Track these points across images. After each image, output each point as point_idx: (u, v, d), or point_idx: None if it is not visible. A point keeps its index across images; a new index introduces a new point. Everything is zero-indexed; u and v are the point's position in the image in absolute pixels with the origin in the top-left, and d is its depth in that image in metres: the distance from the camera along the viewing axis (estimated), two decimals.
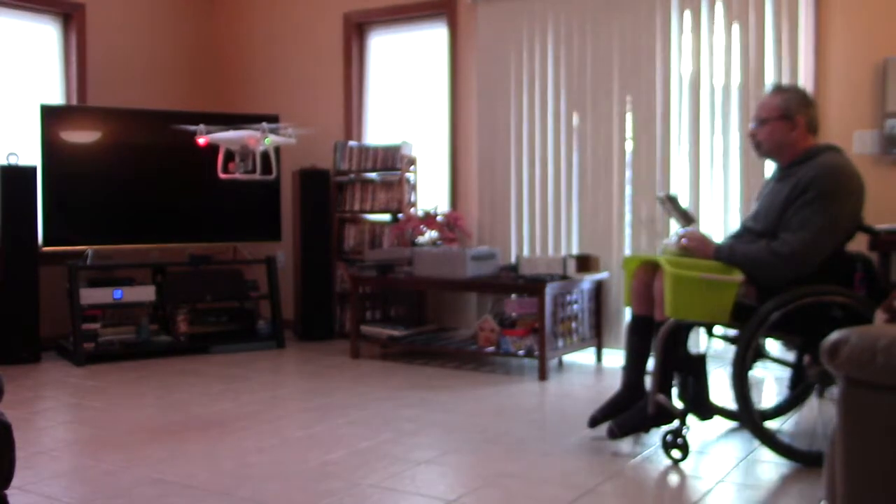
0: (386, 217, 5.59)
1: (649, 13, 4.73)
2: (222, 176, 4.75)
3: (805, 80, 4.34)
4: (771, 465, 2.82)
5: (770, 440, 2.82)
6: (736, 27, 4.50)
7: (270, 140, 4.73)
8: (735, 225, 4.28)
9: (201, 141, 4.62)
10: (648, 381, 2.99)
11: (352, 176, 5.69)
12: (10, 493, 2.21)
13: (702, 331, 3.24)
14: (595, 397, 3.82)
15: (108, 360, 4.94)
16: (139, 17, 5.94)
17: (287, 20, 6.14)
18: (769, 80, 4.39)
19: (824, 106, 4.31)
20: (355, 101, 5.88)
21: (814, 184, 2.82)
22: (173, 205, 5.36)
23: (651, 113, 4.75)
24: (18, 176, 4.82)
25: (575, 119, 4.97)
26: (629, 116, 4.82)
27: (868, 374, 1.64)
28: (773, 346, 3.79)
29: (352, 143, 5.72)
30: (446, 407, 3.68)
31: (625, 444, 3.05)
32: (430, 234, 5.14)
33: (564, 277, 4.45)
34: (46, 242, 4.97)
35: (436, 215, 5.13)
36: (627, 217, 4.83)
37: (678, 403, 2.94)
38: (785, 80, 4.36)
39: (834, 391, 1.80)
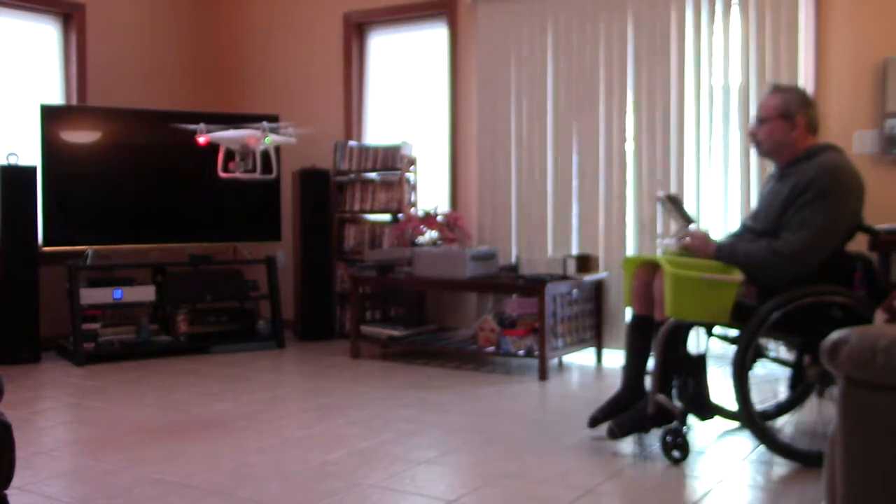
0: (386, 217, 5.58)
1: (649, 13, 4.73)
2: (223, 175, 4.75)
3: (805, 80, 4.34)
4: (771, 465, 2.82)
5: (770, 440, 2.82)
6: (736, 27, 4.50)
7: (270, 139, 4.73)
8: (735, 225, 4.28)
9: (201, 140, 4.62)
10: (648, 381, 2.99)
11: (352, 176, 5.69)
12: (10, 493, 2.21)
13: (702, 331, 3.23)
14: (595, 397, 3.82)
15: (108, 360, 4.94)
16: (139, 17, 5.94)
17: (287, 20, 6.14)
18: (769, 80, 4.38)
19: (824, 106, 4.31)
20: (355, 101, 5.88)
21: (814, 183, 2.82)
22: (173, 205, 5.36)
23: (651, 113, 4.74)
24: (18, 176, 4.82)
25: (575, 119, 4.96)
26: (629, 116, 4.82)
27: (868, 374, 1.64)
28: (773, 346, 3.79)
29: (352, 143, 5.72)
30: (446, 407, 3.68)
31: (625, 444, 3.05)
32: (430, 234, 5.14)
33: (564, 277, 4.44)
34: (46, 242, 4.97)
35: (436, 215, 5.13)
36: (628, 217, 4.83)
37: (678, 403, 2.94)
38: (785, 80, 4.35)
39: (834, 391, 1.80)
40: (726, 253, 2.94)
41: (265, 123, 4.79)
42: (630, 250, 4.82)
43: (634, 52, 4.78)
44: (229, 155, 4.76)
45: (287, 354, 5.13)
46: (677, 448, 2.84)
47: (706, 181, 4.62)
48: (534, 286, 4.32)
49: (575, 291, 4.60)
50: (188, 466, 2.83)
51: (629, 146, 4.83)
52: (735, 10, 4.50)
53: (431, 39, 5.61)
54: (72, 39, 5.57)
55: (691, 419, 3.05)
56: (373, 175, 5.63)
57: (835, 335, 1.72)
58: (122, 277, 5.19)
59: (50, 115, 4.99)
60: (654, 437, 3.09)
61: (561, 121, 5.01)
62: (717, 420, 3.30)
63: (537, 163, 5.09)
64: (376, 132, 5.87)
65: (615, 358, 4.77)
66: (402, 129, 5.71)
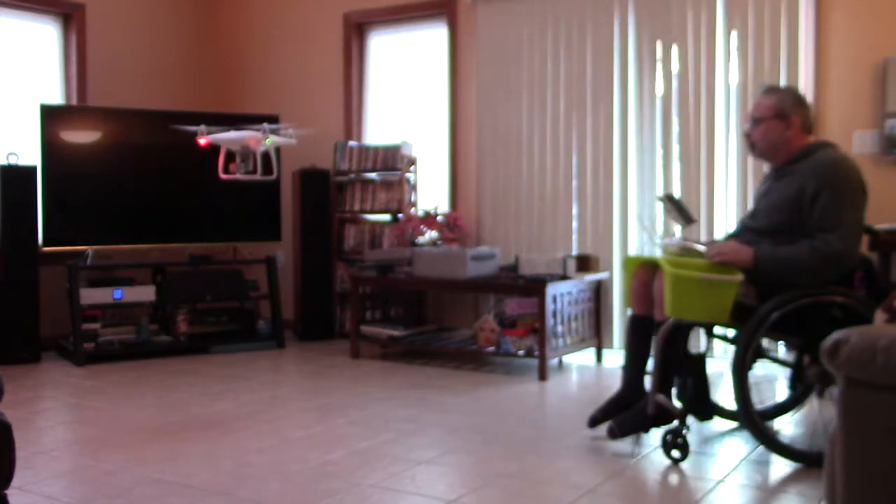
0: (386, 217, 5.59)
1: (649, 13, 4.73)
2: (223, 176, 4.75)
3: (805, 80, 4.34)
4: (771, 465, 2.82)
5: (770, 440, 2.82)
6: (736, 27, 4.50)
7: (271, 140, 4.73)
8: (732, 225, 4.28)
9: (202, 141, 4.62)
10: (648, 381, 2.99)
11: (352, 176, 5.69)
12: (10, 493, 2.21)
13: (702, 331, 3.23)
14: (595, 397, 3.82)
15: (108, 360, 4.94)
16: (139, 17, 5.94)
17: (287, 20, 6.14)
18: (769, 80, 4.38)
19: (824, 106, 4.31)
20: (355, 101, 5.88)
21: (828, 181, 2.80)
22: (173, 205, 5.36)
23: (651, 113, 4.75)
24: (18, 176, 4.82)
25: (574, 119, 4.96)
26: (629, 116, 4.81)
27: (868, 374, 1.64)
28: (773, 346, 3.79)
29: (352, 143, 5.72)
30: (446, 407, 3.68)
31: (625, 444, 3.05)
32: (430, 234, 5.14)
33: (564, 277, 4.45)
34: (46, 242, 4.97)
35: (436, 215, 5.13)
36: (628, 217, 4.83)
37: (678, 403, 2.94)
38: (785, 81, 4.36)
39: (834, 391, 1.80)
40: (765, 259, 2.86)
41: (266, 125, 4.79)
42: (630, 250, 4.82)
43: (635, 51, 4.78)
44: (230, 156, 4.77)
45: (287, 354, 5.13)
46: (677, 448, 2.84)
47: (706, 181, 4.61)
48: (534, 286, 4.32)
49: (575, 291, 4.60)
50: (188, 466, 2.83)
51: (629, 146, 4.82)
52: (736, 9, 4.49)
53: (431, 39, 5.61)
54: (72, 39, 5.57)
55: (691, 419, 3.05)
56: (373, 175, 5.63)
57: (835, 335, 1.72)
58: (122, 277, 5.20)
59: (50, 115, 4.99)
60: (654, 437, 3.09)
61: (561, 121, 5.01)
62: (717, 420, 3.30)
63: (537, 163, 5.09)
64: (376, 132, 5.87)
65: (615, 358, 4.77)
66: (402, 129, 5.71)
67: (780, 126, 2.97)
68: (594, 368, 4.64)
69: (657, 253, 4.57)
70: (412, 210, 5.42)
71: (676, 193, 4.66)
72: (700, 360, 3.02)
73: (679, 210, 3.30)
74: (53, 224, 4.98)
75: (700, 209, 4.59)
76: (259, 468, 2.81)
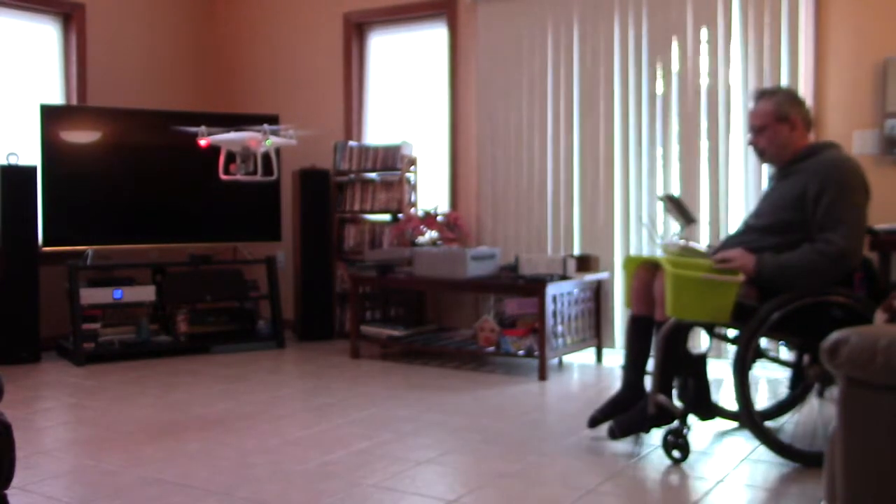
0: (386, 217, 5.59)
1: (649, 13, 4.73)
2: (224, 177, 4.76)
3: (805, 80, 4.34)
4: (771, 465, 2.82)
5: (770, 440, 2.82)
6: (736, 27, 4.50)
7: (271, 141, 4.73)
8: (734, 225, 4.28)
9: (203, 143, 4.62)
10: (648, 381, 2.99)
11: (352, 176, 5.69)
12: (10, 493, 2.21)
13: (702, 331, 3.23)
14: (595, 397, 3.82)
15: (107, 360, 4.94)
16: (139, 17, 5.94)
17: (287, 20, 6.14)
18: (769, 80, 4.38)
19: (824, 106, 4.31)
20: (355, 101, 5.88)
21: (832, 181, 2.81)
22: (173, 205, 5.36)
23: (651, 113, 4.75)
24: (18, 176, 4.82)
25: (575, 119, 4.96)
26: (630, 116, 4.81)
27: (868, 374, 1.64)
28: (773, 346, 3.79)
29: (352, 143, 5.72)
30: (446, 407, 3.68)
31: (625, 445, 3.05)
32: (430, 234, 5.14)
33: (564, 277, 4.45)
34: (46, 242, 4.97)
35: (436, 215, 5.13)
36: (628, 217, 4.83)
37: (678, 403, 2.94)
38: (785, 81, 4.36)
39: (834, 391, 1.80)
40: (769, 265, 2.85)
41: (266, 126, 4.79)
42: (631, 250, 4.82)
43: (635, 51, 4.78)
44: (230, 157, 4.77)
45: (287, 354, 5.13)
46: (677, 448, 2.84)
47: (706, 181, 4.61)
48: (534, 286, 4.32)
49: (575, 291, 4.60)
50: (188, 466, 2.83)
51: (630, 146, 4.82)
52: (736, 9, 4.49)
53: (431, 39, 5.61)
54: (72, 39, 5.57)
55: (691, 419, 3.05)
56: (373, 175, 5.63)
57: (835, 335, 1.72)
58: (122, 277, 5.19)
59: (50, 115, 4.99)
60: (654, 438, 3.09)
61: (561, 120, 5.01)
62: (717, 420, 3.30)
63: (537, 163, 5.09)
64: (376, 132, 5.87)
65: (615, 358, 4.77)
66: (402, 129, 5.71)
67: (785, 128, 2.98)
68: (594, 368, 4.64)
69: (658, 253, 4.57)
70: (412, 210, 5.42)
71: (677, 193, 4.66)
72: (701, 360, 3.02)
73: (679, 210, 3.30)
74: (53, 224, 4.98)
75: (700, 209, 4.60)
76: (259, 468, 2.81)
